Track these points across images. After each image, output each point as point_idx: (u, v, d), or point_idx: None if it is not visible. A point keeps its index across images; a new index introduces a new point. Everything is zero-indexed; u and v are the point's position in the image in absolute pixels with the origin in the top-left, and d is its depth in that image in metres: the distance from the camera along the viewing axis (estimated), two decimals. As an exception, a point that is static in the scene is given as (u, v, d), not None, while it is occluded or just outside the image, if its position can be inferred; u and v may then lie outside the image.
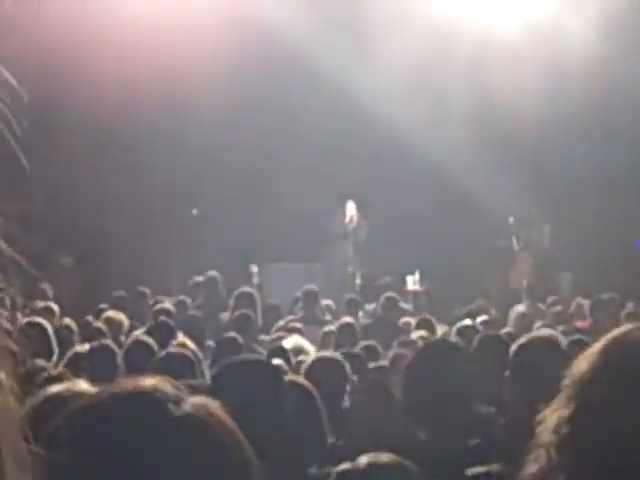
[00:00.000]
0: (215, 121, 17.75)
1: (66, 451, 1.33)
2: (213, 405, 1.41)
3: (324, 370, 5.61)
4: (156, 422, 1.35)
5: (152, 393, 1.38)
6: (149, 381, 1.40)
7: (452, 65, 17.67)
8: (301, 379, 4.41)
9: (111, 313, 11.08)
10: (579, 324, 12.16)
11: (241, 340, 7.85)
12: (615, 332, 2.02)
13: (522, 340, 4.45)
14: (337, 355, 6.25)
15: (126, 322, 10.85)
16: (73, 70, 16.50)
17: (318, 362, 5.80)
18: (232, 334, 8.11)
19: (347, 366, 5.90)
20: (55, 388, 2.84)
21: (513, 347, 4.38)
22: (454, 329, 9.66)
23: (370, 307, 14.10)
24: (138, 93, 16.75)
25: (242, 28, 17.02)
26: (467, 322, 10.25)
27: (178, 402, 1.38)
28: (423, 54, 17.25)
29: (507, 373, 4.27)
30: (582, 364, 2.00)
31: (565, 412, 1.97)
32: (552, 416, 2.00)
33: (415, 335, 9.57)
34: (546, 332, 5.28)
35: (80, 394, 3.48)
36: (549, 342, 4.43)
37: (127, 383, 1.41)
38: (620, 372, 1.93)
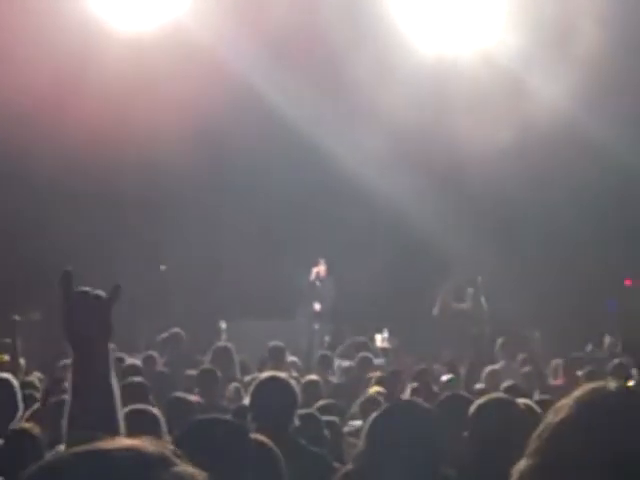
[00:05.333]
0: (181, 178, 17.71)
1: None
2: (200, 476, 1.40)
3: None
4: None
5: (142, 455, 1.37)
6: (139, 442, 1.39)
7: (423, 130, 17.60)
8: (264, 438, 4.43)
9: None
10: (554, 382, 12.31)
11: (191, 398, 7.85)
12: (584, 389, 2.08)
13: (481, 400, 4.45)
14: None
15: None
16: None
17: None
18: (178, 393, 8.05)
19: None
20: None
21: (472, 407, 4.38)
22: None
23: (345, 364, 14.03)
24: (105, 148, 16.68)
25: (221, 88, 16.88)
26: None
27: (166, 466, 1.37)
28: (398, 119, 17.22)
29: (465, 434, 4.29)
30: (551, 419, 2.04)
31: (531, 463, 2.00)
32: (517, 468, 2.04)
33: (371, 390, 9.53)
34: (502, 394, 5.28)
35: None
36: (507, 402, 4.45)
37: (119, 442, 1.41)
38: (588, 426, 1.98)
